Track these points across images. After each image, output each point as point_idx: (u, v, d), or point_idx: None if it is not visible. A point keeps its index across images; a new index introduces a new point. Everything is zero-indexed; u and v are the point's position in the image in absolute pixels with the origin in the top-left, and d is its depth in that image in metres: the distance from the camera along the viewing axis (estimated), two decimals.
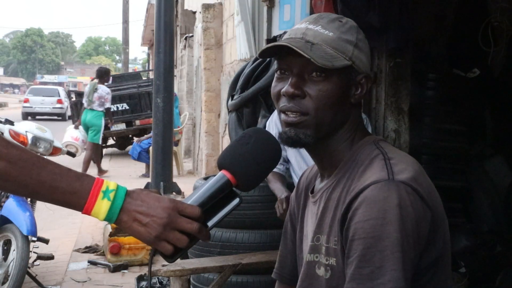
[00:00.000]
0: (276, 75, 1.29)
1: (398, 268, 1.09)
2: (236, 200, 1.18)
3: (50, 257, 4.52)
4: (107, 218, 1.10)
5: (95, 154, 9.89)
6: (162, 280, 4.13)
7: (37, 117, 25.44)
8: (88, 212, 1.10)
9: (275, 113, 3.03)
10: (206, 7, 8.26)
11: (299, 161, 3.03)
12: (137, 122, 12.01)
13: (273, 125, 3.08)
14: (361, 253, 1.11)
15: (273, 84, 1.29)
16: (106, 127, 11.96)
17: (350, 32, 1.25)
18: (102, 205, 1.09)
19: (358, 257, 1.12)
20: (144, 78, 15.38)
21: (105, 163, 11.96)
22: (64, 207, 1.13)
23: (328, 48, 1.22)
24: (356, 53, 1.25)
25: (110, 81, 14.76)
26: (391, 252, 1.09)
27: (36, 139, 4.58)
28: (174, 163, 7.40)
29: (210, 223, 1.16)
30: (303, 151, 2.91)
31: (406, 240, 1.11)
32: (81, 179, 1.11)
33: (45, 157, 1.24)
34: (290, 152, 3.06)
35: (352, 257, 1.13)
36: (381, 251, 1.10)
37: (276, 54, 1.28)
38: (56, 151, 4.77)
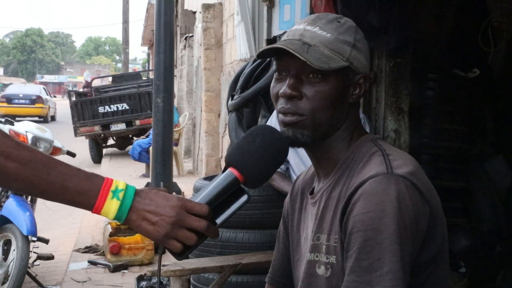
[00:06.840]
0: (275, 76, 1.30)
1: (396, 260, 1.09)
2: (244, 197, 1.18)
3: (50, 257, 4.53)
4: (117, 217, 1.12)
5: None
6: (162, 280, 4.13)
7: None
8: (98, 212, 1.12)
9: (275, 113, 3.04)
10: (206, 7, 8.26)
11: (298, 162, 3.04)
12: (137, 122, 12.02)
13: (273, 126, 3.08)
14: (360, 246, 1.12)
15: (272, 84, 1.30)
16: (107, 127, 11.98)
17: (348, 33, 1.26)
18: (112, 205, 1.11)
19: (357, 249, 1.12)
20: (144, 78, 15.40)
21: (105, 163, 11.97)
22: (74, 207, 1.14)
23: (325, 49, 1.22)
24: (354, 53, 1.25)
25: (111, 81, 14.82)
26: (389, 244, 1.10)
27: (36, 139, 4.58)
28: (174, 163, 7.40)
29: (218, 221, 1.17)
30: (301, 152, 2.92)
31: (404, 232, 1.11)
32: (91, 179, 1.12)
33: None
34: (289, 153, 3.07)
35: (352, 250, 1.13)
36: (380, 243, 1.10)
37: (274, 55, 1.29)
38: (56, 151, 4.78)
